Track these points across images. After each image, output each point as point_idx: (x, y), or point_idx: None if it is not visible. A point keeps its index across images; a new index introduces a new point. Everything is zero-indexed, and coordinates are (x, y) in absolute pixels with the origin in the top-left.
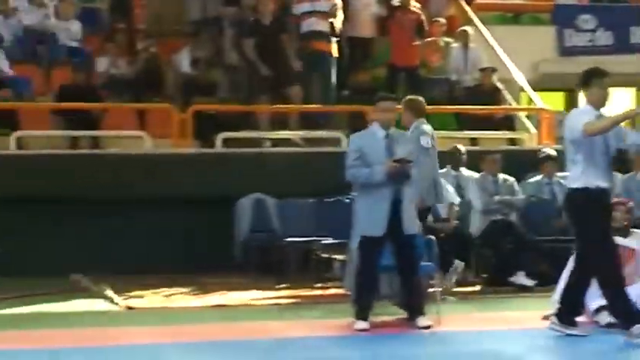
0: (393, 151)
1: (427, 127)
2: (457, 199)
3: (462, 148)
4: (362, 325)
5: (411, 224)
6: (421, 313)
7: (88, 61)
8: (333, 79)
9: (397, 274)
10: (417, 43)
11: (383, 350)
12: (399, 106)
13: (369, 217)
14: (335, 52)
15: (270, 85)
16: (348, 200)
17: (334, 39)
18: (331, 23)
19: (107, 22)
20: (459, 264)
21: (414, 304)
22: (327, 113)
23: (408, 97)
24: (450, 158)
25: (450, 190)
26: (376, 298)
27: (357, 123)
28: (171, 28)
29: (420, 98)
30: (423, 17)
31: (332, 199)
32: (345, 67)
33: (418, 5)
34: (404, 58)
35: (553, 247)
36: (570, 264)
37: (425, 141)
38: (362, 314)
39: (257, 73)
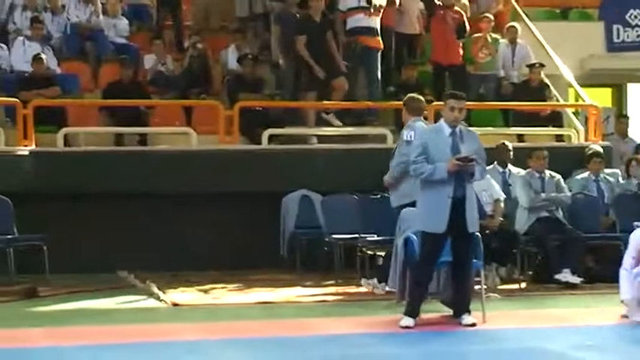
0: (458, 148)
1: (419, 124)
2: (502, 196)
3: (509, 144)
4: (408, 322)
5: (474, 222)
6: (466, 310)
7: (136, 58)
8: (379, 74)
9: (451, 269)
10: (459, 41)
11: (428, 348)
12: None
13: (431, 213)
14: (380, 47)
15: (318, 82)
16: None
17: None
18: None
19: (155, 18)
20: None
21: (460, 301)
22: (374, 110)
23: (408, 95)
24: (497, 155)
25: (495, 186)
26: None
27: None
28: (219, 24)
29: (419, 97)
30: (465, 18)
31: (377, 196)
32: (391, 64)
33: (467, 3)
34: (447, 56)
35: (600, 245)
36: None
37: (407, 134)
38: (412, 311)
39: (308, 70)
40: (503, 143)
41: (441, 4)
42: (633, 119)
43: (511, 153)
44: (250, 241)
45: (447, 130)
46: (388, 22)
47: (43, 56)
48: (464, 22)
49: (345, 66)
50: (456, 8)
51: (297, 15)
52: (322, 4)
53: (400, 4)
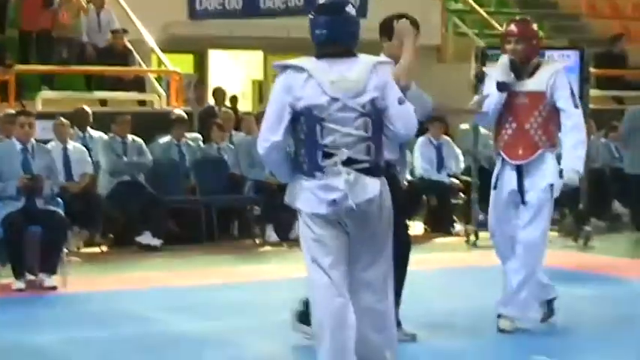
0: (28, 163)
1: None
2: (91, 171)
3: (89, 109)
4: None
5: None
6: (52, 271)
7: None
8: None
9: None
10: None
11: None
12: None
13: None
14: None
15: None
16: None
17: None
18: None
19: None
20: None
21: (45, 262)
22: None
23: None
24: (76, 119)
25: (89, 161)
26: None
27: None
28: None
29: None
30: None
31: None
32: None
33: None
34: (35, 22)
35: (181, 208)
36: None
37: None
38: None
39: None
40: (82, 108)
41: None
42: (213, 85)
43: (91, 117)
44: None
45: (18, 146)
46: None
47: None
48: None
49: None
50: None
51: None
52: None
53: None
